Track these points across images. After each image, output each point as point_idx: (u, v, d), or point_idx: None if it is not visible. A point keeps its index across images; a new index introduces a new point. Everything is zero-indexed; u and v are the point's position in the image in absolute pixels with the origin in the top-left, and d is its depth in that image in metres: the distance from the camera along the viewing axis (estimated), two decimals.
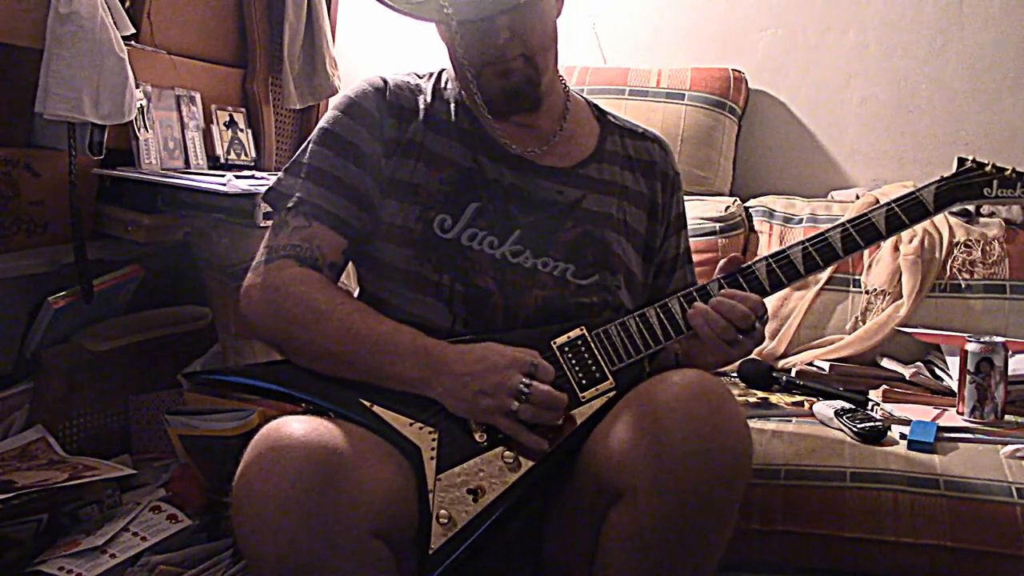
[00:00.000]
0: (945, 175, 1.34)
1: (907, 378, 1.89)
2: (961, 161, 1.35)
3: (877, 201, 2.10)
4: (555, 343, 1.24)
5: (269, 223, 1.39)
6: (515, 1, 1.21)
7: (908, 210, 1.31)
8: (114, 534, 1.48)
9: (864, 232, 1.30)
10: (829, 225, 1.32)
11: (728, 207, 2.17)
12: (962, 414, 1.69)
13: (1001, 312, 1.96)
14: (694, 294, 1.27)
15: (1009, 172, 1.32)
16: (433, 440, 1.17)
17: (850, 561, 1.44)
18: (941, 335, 1.92)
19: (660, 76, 2.39)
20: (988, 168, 1.33)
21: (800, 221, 2.15)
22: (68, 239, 1.70)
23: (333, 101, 1.37)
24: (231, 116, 2.15)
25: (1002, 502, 1.40)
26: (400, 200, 1.30)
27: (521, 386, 1.14)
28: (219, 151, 2.09)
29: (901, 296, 1.97)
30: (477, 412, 1.17)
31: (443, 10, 1.20)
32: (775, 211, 2.20)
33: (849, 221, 1.30)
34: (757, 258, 1.30)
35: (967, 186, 1.33)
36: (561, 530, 1.24)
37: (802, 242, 1.30)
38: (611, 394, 1.21)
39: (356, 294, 1.39)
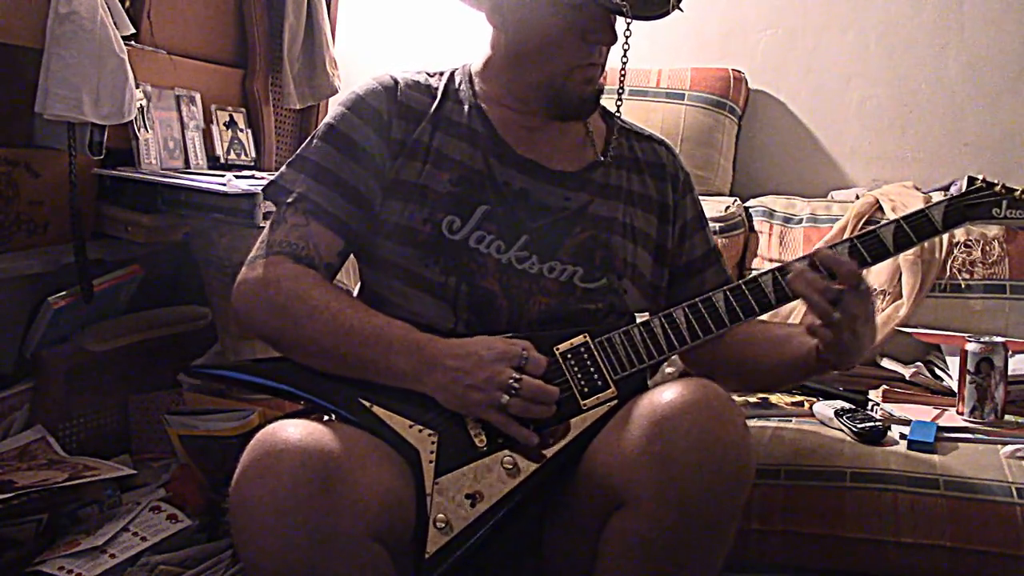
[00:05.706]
0: (955, 194, 1.32)
1: (907, 378, 1.89)
2: (971, 180, 1.33)
3: (877, 202, 2.10)
4: (558, 349, 1.23)
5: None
6: None
7: (917, 228, 1.29)
8: (114, 534, 1.48)
9: (872, 248, 1.28)
10: (831, 225, 1.31)
11: (728, 207, 2.17)
12: (962, 414, 1.69)
13: (1001, 312, 1.96)
14: (699, 304, 1.26)
15: (1019, 193, 1.30)
16: (432, 443, 1.16)
17: (850, 561, 1.44)
18: (941, 335, 1.92)
19: (660, 76, 2.39)
20: (998, 188, 1.31)
21: (800, 221, 2.15)
22: (68, 239, 1.70)
23: (340, 97, 1.35)
24: (231, 116, 2.15)
25: (1002, 502, 1.40)
26: (405, 201, 1.29)
27: (511, 380, 1.14)
28: (219, 151, 2.09)
29: (901, 296, 1.97)
30: (468, 407, 1.16)
31: None
32: (775, 211, 2.19)
33: (857, 237, 1.29)
34: (763, 270, 1.28)
35: (976, 206, 1.31)
36: (561, 535, 1.24)
37: (809, 256, 1.27)
38: (613, 403, 1.21)
39: (357, 291, 1.39)
